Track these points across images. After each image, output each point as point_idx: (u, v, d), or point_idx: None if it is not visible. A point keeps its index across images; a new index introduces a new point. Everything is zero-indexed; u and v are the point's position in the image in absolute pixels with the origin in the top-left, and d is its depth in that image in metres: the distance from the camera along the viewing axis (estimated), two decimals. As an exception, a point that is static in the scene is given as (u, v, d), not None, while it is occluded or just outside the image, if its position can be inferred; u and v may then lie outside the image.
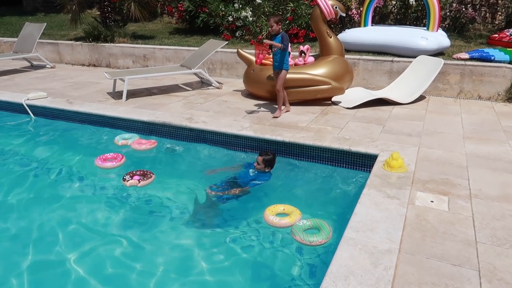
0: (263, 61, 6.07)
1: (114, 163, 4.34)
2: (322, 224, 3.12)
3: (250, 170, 3.94)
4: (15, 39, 9.53)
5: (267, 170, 3.91)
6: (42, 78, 7.98)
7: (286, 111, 5.38)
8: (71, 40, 9.76)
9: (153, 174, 4.07)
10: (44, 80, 7.72)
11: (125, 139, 4.99)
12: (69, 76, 8.10)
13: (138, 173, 4.06)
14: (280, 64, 5.11)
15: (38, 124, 5.77)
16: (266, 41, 4.89)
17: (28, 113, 5.95)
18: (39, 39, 8.96)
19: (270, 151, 4.06)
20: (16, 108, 6.07)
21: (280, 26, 4.96)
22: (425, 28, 7.01)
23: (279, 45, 4.91)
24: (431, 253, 2.44)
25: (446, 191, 3.20)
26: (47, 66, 9.19)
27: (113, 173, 4.23)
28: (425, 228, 2.69)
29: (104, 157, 4.43)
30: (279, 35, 4.97)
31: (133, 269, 2.81)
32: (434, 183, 3.35)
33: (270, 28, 5.02)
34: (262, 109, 5.60)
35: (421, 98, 6.00)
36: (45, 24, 9.20)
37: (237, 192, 3.65)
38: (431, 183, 3.35)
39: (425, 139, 4.38)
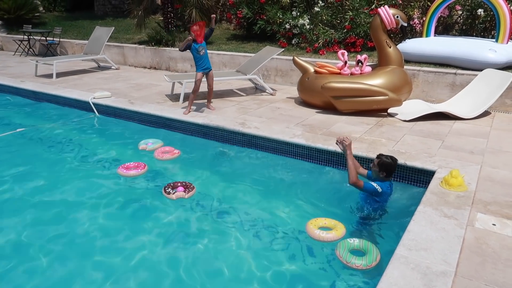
0: (318, 69, 6.05)
1: (139, 170, 4.30)
2: (372, 249, 2.89)
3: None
4: (86, 42, 10.25)
5: (381, 176, 3.49)
6: (107, 78, 8.50)
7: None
8: (135, 43, 10.32)
9: (193, 185, 3.94)
10: (109, 81, 8.21)
11: (146, 143, 4.98)
12: (132, 78, 8.55)
13: (179, 184, 3.93)
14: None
15: (101, 121, 6.16)
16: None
17: (93, 111, 6.36)
18: (107, 42, 9.58)
19: (392, 157, 3.57)
20: (83, 106, 6.52)
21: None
22: (494, 40, 6.60)
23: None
24: (492, 280, 2.28)
25: (510, 215, 2.98)
26: (112, 67, 9.78)
27: (139, 180, 4.20)
28: (486, 253, 2.52)
29: (126, 166, 4.37)
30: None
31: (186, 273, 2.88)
32: (497, 205, 3.13)
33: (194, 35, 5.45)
34: (315, 117, 5.56)
35: (485, 114, 5.65)
36: (113, 28, 9.82)
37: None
38: (494, 205, 3.13)
39: (489, 158, 4.11)
